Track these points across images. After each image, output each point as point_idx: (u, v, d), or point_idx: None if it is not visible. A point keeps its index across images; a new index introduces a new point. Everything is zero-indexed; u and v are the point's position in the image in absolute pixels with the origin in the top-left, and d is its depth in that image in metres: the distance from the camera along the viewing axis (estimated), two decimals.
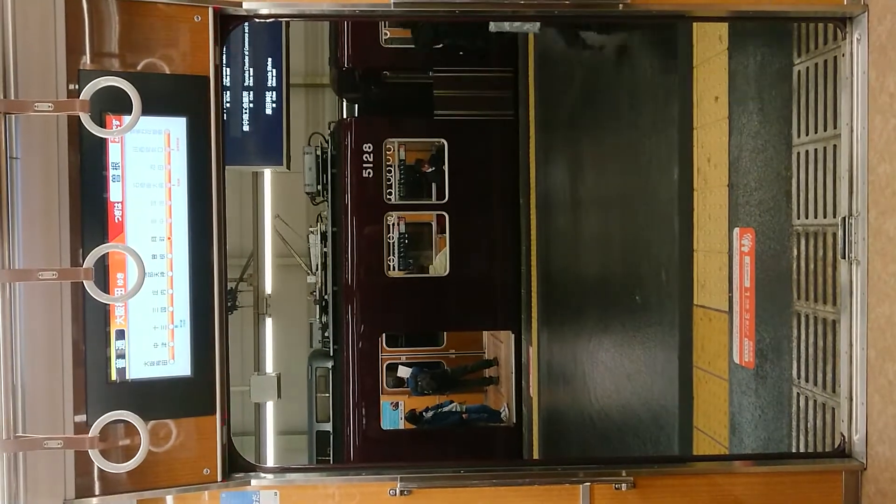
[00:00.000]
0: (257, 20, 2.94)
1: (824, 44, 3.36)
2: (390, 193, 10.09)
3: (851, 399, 3.03)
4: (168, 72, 2.77)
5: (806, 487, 3.03)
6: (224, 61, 2.92)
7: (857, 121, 2.99)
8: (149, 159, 2.76)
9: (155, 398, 2.77)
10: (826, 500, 3.00)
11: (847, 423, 3.04)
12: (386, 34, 9.55)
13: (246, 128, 9.11)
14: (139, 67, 2.74)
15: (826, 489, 3.02)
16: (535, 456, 8.98)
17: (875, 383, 2.92)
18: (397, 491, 2.94)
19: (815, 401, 3.45)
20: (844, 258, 3.05)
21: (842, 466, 3.01)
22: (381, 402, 9.85)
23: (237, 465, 2.96)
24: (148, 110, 2.54)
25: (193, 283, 2.81)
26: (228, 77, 8.84)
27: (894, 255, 2.81)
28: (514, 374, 9.98)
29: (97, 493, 2.72)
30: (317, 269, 10.31)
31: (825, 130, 3.35)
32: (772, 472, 3.02)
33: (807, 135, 3.50)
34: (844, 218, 3.03)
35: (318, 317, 10.41)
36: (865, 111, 2.96)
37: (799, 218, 3.58)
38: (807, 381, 3.51)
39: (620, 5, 2.92)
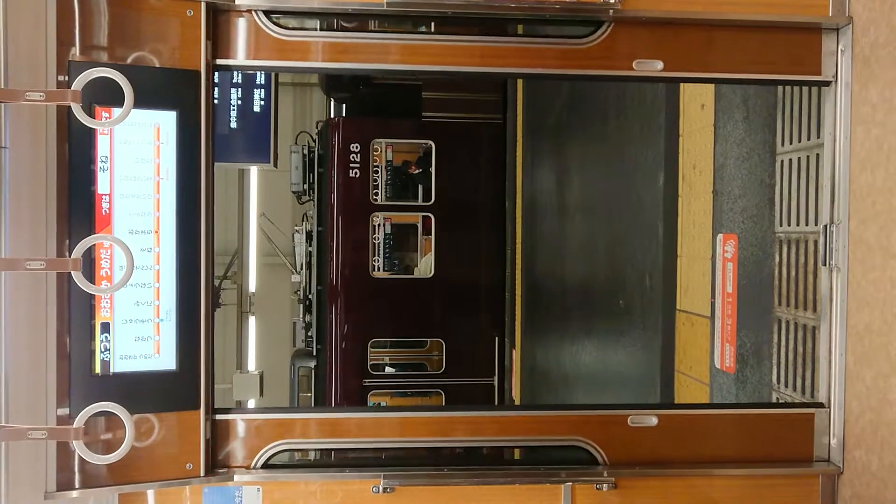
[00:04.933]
0: (250, 16, 2.94)
1: None
2: (377, 194, 10.08)
3: (830, 404, 3.07)
4: (158, 65, 2.77)
5: (783, 491, 3.07)
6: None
7: (839, 131, 3.04)
8: (138, 152, 2.76)
9: (139, 392, 2.76)
10: None
11: (825, 428, 3.09)
12: None
13: (233, 125, 9.08)
14: (130, 60, 2.74)
15: (803, 493, 3.06)
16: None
17: (853, 389, 2.97)
18: (380, 488, 2.95)
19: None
20: (825, 265, 3.10)
21: (819, 471, 3.06)
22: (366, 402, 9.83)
23: (220, 461, 2.96)
24: (138, 103, 2.54)
25: (180, 277, 2.81)
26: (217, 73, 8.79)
27: (874, 262, 2.86)
28: (496, 378, 10.00)
29: (78, 486, 2.71)
30: (301, 269, 10.29)
31: (808, 140, 3.41)
32: (750, 476, 3.06)
33: (790, 143, 3.56)
34: (826, 226, 3.08)
35: (301, 316, 10.38)
36: (848, 121, 3.01)
37: (781, 225, 3.63)
38: (786, 386, 3.55)
39: (611, 10, 2.96)
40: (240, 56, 2.93)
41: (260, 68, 2.95)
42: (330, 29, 3.27)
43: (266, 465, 3.01)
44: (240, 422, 3.00)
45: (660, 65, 3.00)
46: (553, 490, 3.00)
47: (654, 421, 3.05)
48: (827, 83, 3.06)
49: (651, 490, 3.04)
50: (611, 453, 3.06)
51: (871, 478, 2.86)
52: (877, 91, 2.85)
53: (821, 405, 3.10)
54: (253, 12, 2.91)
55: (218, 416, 2.96)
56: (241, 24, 2.91)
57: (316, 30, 3.27)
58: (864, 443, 2.90)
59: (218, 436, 2.97)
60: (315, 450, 3.30)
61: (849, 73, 3.00)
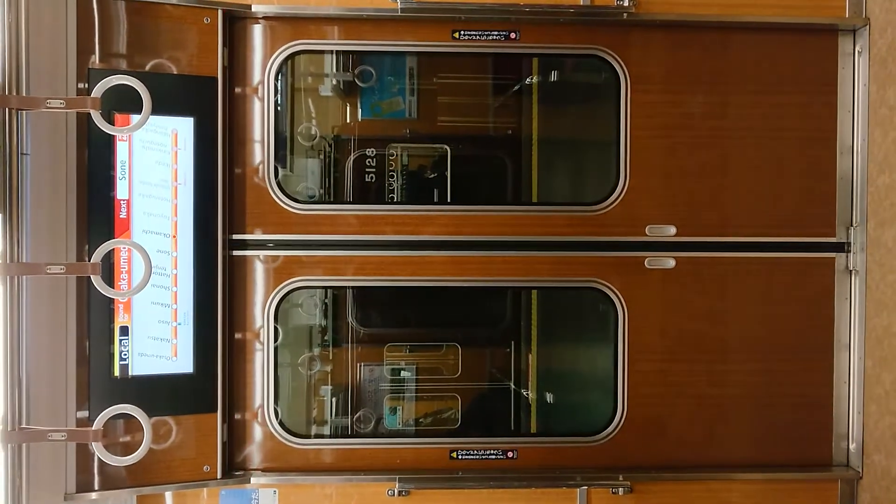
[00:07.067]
0: (265, 23, 2.97)
1: None
2: (392, 198, 10.09)
3: (849, 408, 3.05)
4: (176, 72, 2.81)
5: (802, 496, 3.05)
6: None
7: (857, 133, 3.02)
8: (156, 158, 2.79)
9: (157, 395, 2.79)
10: None
11: (844, 432, 3.06)
12: None
13: None
14: (148, 67, 2.78)
15: (822, 498, 3.04)
16: None
17: (871, 393, 2.95)
18: (395, 492, 2.96)
19: None
20: (843, 268, 3.07)
21: (838, 475, 3.03)
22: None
23: (237, 463, 2.98)
24: (156, 110, 2.57)
25: (197, 280, 2.84)
26: None
27: (892, 265, 2.83)
28: (512, 381, 9.96)
29: (97, 487, 2.74)
30: None
31: None
32: (769, 480, 3.03)
33: None
34: (844, 228, 3.06)
35: (317, 320, 10.40)
36: (866, 123, 2.99)
37: None
38: None
39: (625, 14, 2.96)
40: (256, 231, 2.97)
41: (277, 243, 2.97)
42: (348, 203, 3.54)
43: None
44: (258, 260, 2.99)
45: (672, 230, 3.02)
46: (568, 494, 3.00)
47: (671, 263, 3.04)
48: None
49: (668, 494, 3.03)
50: (628, 296, 3.06)
51: (892, 482, 2.83)
52: (894, 92, 2.83)
53: (841, 247, 3.05)
54: (272, 192, 2.97)
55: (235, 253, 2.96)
56: (256, 197, 2.96)
57: (331, 203, 3.70)
58: (883, 447, 2.87)
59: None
60: (327, 287, 3.51)
61: (866, 74, 2.98)
